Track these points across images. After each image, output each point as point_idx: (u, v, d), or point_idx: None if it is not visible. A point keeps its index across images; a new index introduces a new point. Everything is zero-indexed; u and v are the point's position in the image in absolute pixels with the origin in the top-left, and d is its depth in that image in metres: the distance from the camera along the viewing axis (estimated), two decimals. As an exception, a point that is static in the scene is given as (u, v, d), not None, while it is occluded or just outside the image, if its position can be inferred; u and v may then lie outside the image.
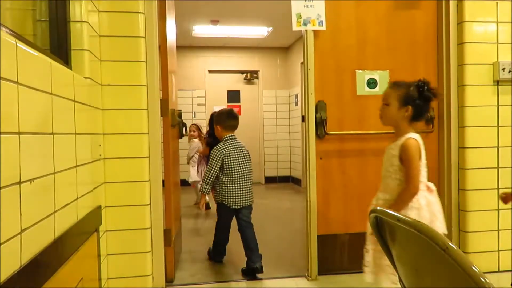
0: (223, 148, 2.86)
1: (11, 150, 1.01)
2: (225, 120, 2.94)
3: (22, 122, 1.07)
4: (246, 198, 2.87)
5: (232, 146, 2.89)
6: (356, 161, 2.79)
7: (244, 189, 2.86)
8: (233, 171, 2.84)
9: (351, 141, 2.78)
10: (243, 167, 2.89)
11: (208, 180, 2.87)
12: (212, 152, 2.90)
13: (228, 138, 2.91)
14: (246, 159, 2.92)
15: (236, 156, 2.87)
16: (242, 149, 2.93)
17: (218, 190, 2.91)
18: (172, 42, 3.02)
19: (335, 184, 2.76)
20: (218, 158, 2.84)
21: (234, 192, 2.84)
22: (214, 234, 3.07)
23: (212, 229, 3.11)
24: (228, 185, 2.84)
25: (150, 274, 2.27)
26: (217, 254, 3.09)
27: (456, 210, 2.72)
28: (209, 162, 2.89)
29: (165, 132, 2.55)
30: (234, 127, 2.97)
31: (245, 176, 2.88)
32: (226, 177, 2.85)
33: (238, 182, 2.85)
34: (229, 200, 2.84)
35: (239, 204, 2.85)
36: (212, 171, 2.85)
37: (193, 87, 7.47)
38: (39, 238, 1.18)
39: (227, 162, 2.84)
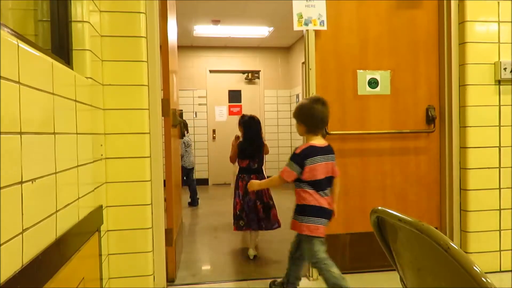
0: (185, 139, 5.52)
1: (13, 150, 1.02)
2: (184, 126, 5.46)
3: (23, 122, 1.07)
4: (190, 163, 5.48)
5: (187, 138, 5.50)
6: (357, 161, 2.79)
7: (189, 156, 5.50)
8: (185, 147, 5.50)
9: (352, 141, 2.78)
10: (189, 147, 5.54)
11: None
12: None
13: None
14: (189, 144, 5.52)
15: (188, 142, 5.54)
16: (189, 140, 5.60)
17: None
18: (173, 42, 3.02)
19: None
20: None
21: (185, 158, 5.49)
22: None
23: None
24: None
25: (151, 274, 2.27)
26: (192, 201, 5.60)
27: (457, 210, 2.71)
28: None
29: (166, 132, 2.55)
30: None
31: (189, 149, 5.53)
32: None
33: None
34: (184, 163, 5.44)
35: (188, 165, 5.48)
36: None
37: (194, 87, 7.47)
38: (41, 238, 1.18)
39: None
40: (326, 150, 2.21)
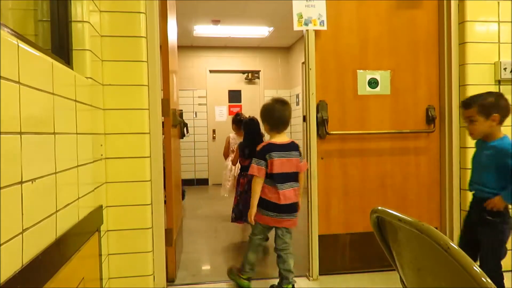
0: None
1: (13, 150, 1.01)
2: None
3: (23, 122, 1.07)
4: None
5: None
6: (357, 161, 2.79)
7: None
8: None
9: (352, 141, 2.78)
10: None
11: None
12: None
13: None
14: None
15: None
16: None
17: None
18: (173, 42, 3.02)
19: (336, 184, 2.76)
20: None
21: None
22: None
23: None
24: None
25: (151, 274, 2.27)
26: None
27: (457, 209, 2.71)
28: None
29: (166, 132, 2.55)
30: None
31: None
32: None
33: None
34: None
35: None
36: None
37: (194, 87, 7.47)
38: (41, 238, 1.18)
39: None
40: (288, 147, 2.39)
